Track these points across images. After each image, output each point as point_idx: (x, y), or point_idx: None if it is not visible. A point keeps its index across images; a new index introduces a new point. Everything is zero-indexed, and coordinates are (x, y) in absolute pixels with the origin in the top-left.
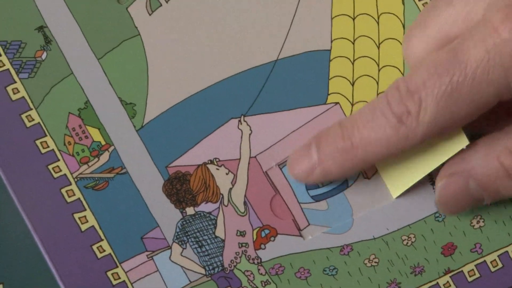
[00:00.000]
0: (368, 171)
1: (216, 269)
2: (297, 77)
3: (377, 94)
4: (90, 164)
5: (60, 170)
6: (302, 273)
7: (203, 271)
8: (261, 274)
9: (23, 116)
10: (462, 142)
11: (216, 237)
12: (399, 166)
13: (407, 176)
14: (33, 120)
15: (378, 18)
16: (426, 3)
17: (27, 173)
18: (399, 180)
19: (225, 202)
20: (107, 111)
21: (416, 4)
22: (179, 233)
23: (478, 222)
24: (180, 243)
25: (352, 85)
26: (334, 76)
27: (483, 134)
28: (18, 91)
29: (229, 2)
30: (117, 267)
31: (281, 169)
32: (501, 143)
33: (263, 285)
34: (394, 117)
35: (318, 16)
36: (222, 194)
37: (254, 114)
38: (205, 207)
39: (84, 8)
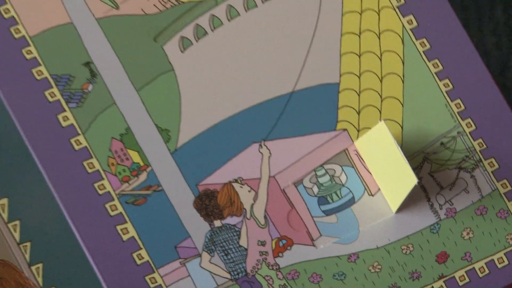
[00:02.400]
0: (372, 189)
1: (240, 274)
2: (311, 106)
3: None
4: (130, 182)
5: (105, 188)
6: (315, 278)
7: (228, 276)
8: (279, 278)
9: (72, 140)
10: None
11: (240, 246)
12: (394, 184)
13: (400, 193)
14: (81, 144)
15: (381, 55)
16: (423, 42)
17: (76, 190)
18: (396, 197)
19: (248, 216)
20: (145, 136)
21: (414, 44)
22: (208, 242)
23: (468, 233)
24: (208, 251)
25: (358, 113)
26: (342, 106)
27: None
28: (68, 119)
29: (251, 42)
30: (154, 272)
31: (296, 187)
32: None
33: None
34: None
35: (329, 53)
36: (245, 209)
37: (273, 139)
38: (231, 220)
39: (125, 46)
